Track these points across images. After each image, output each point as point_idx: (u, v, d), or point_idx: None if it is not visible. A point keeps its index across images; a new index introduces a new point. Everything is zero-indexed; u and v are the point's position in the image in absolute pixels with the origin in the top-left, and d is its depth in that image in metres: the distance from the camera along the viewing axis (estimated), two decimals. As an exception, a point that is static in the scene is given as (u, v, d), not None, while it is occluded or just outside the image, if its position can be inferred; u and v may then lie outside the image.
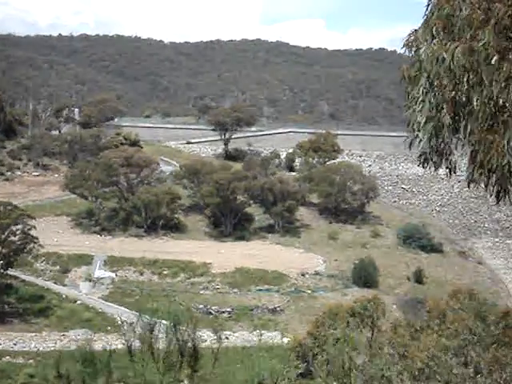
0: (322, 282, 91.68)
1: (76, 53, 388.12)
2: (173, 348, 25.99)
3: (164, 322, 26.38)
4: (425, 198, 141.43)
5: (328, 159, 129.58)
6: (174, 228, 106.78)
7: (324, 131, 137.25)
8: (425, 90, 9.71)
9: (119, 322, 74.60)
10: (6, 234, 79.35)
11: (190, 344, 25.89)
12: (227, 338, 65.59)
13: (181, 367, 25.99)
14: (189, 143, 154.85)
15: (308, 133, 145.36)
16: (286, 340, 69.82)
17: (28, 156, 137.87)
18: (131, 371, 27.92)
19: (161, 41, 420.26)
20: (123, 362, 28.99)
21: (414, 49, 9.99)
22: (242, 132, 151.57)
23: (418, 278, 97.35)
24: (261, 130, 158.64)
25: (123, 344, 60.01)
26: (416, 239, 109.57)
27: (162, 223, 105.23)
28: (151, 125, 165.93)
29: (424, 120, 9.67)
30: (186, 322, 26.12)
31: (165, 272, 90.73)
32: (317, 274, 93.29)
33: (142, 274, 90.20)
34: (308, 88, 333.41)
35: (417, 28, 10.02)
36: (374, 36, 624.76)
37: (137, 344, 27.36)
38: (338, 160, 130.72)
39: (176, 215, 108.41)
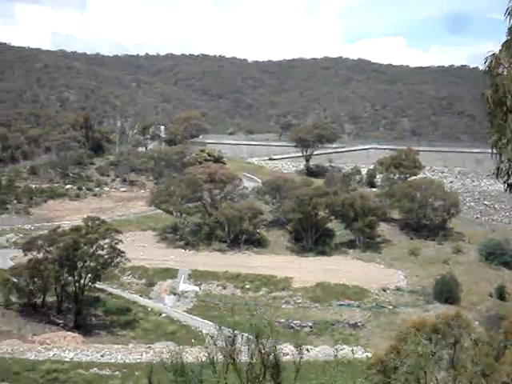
0: (403, 297, 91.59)
1: (162, 72, 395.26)
2: (255, 360, 26.82)
3: (246, 334, 27.38)
4: (507, 214, 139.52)
5: (409, 175, 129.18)
6: (256, 243, 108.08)
7: (405, 147, 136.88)
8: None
9: (203, 335, 76.42)
10: (94, 248, 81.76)
11: (272, 357, 26.60)
12: (308, 351, 66.36)
13: (263, 379, 26.77)
14: (271, 159, 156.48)
15: (389, 149, 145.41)
16: (367, 355, 70.19)
17: (115, 172, 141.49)
18: (213, 383, 28.99)
19: (244, 59, 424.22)
20: (206, 374, 30.20)
21: (496, 71, 10.42)
22: (324, 148, 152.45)
23: (501, 294, 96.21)
24: (342, 147, 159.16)
25: (205, 356, 61.70)
26: (498, 255, 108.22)
27: (244, 238, 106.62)
28: (234, 141, 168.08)
29: (505, 141, 10.19)
30: (268, 335, 26.97)
31: (247, 286, 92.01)
32: (398, 289, 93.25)
33: (224, 288, 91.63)
34: (389, 105, 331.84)
35: (497, 49, 10.31)
36: (455, 53, 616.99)
37: (219, 356, 28.32)
38: (419, 176, 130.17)
39: (258, 230, 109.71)
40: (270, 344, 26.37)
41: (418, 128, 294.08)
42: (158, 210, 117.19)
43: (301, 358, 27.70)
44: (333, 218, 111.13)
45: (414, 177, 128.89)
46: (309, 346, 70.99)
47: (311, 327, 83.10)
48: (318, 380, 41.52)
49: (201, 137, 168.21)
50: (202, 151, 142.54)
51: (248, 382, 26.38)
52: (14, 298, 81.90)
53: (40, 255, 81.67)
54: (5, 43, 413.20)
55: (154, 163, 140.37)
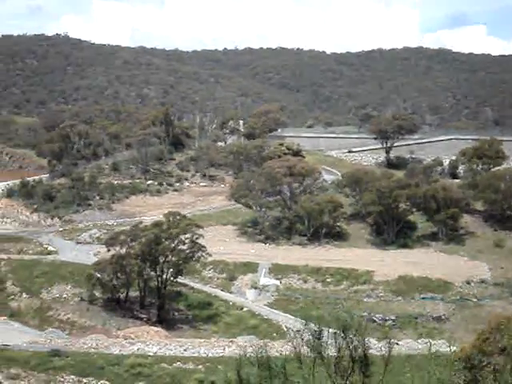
0: (488, 290, 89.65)
1: (240, 66, 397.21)
2: (343, 354, 26.45)
3: (330, 329, 27.01)
4: None
5: (492, 166, 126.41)
6: (336, 236, 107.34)
7: (488, 137, 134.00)
8: None
9: (285, 329, 76.37)
10: (175, 242, 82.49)
11: (359, 350, 26.19)
12: (397, 344, 65.36)
13: (352, 373, 26.37)
14: (350, 152, 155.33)
15: (471, 139, 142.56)
16: (452, 349, 68.89)
17: (195, 167, 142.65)
18: (299, 377, 28.71)
19: (323, 51, 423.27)
20: (290, 368, 29.91)
21: None
22: (404, 140, 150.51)
23: None
24: (423, 138, 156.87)
25: (288, 350, 61.41)
26: None
27: (324, 231, 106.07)
28: (313, 134, 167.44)
29: None
30: (354, 328, 26.59)
31: (328, 280, 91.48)
32: (482, 282, 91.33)
33: (305, 282, 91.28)
34: (471, 94, 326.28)
35: None
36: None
37: (303, 350, 28.02)
38: (503, 166, 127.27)
39: (338, 223, 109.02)
40: (357, 338, 26.03)
41: (501, 118, 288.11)
42: (238, 205, 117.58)
43: (390, 351, 27.35)
44: (414, 210, 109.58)
45: (498, 167, 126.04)
46: (392, 340, 70.05)
47: (394, 321, 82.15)
48: (410, 373, 40.64)
49: (279, 130, 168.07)
50: (281, 145, 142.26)
51: (336, 376, 26.03)
52: (98, 293, 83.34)
53: (123, 250, 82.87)
54: (85, 41, 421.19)
55: (233, 158, 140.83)
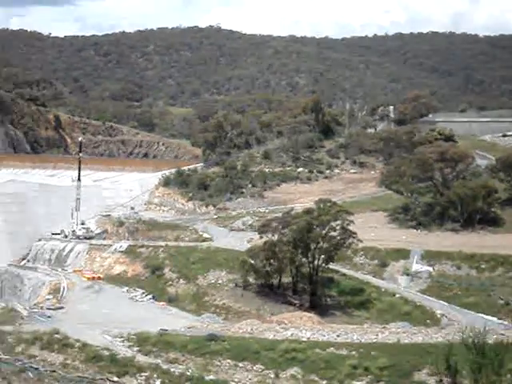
0: None
1: (390, 51, 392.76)
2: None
3: (487, 316, 26.82)
4: None
5: None
6: (490, 222, 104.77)
7: None
8: None
9: (438, 316, 75.64)
10: (326, 229, 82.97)
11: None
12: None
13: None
14: (505, 136, 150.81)
15: None
16: None
17: (345, 154, 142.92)
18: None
19: (475, 34, 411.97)
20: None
21: None
22: None
23: None
24: None
25: (442, 337, 60.76)
26: None
27: (478, 217, 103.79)
28: (466, 119, 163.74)
29: None
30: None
31: (482, 266, 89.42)
32: None
33: (459, 268, 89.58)
34: None
35: None
36: None
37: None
38: None
39: (493, 209, 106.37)
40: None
41: None
42: (388, 191, 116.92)
43: None
44: None
45: None
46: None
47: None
48: None
49: (430, 116, 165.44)
50: (432, 130, 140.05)
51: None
52: (251, 279, 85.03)
53: (275, 237, 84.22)
54: (237, 31, 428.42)
55: (383, 144, 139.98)
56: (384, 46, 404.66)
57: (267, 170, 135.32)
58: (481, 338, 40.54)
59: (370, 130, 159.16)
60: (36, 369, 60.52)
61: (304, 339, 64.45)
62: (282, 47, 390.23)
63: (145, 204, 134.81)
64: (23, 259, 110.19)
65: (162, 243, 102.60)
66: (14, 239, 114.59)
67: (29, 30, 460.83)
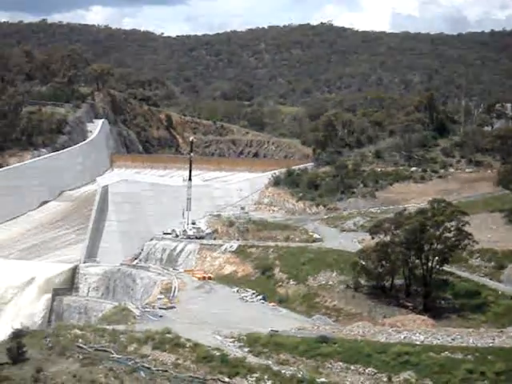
0: None
1: (508, 47, 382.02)
2: None
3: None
4: None
5: None
6: None
7: None
8: None
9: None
10: (440, 230, 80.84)
11: None
12: None
13: None
14: None
15: None
16: None
17: (460, 153, 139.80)
18: None
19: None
20: None
21: None
22: None
23: None
24: None
25: None
26: None
27: None
28: None
29: None
30: None
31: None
32: None
33: None
34: None
35: None
36: None
37: None
38: None
39: None
40: None
41: None
42: (506, 191, 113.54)
43: None
44: None
45: None
46: None
47: None
48: None
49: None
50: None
51: None
52: (362, 281, 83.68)
53: (387, 238, 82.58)
54: (349, 28, 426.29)
55: (500, 142, 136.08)
56: (501, 42, 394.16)
57: (379, 170, 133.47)
58: None
59: (487, 128, 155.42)
60: (148, 368, 60.80)
61: (417, 342, 62.84)
62: (396, 44, 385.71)
63: (254, 204, 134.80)
64: (135, 258, 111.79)
65: (272, 243, 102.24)
66: (126, 239, 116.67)
67: (142, 30, 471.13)
